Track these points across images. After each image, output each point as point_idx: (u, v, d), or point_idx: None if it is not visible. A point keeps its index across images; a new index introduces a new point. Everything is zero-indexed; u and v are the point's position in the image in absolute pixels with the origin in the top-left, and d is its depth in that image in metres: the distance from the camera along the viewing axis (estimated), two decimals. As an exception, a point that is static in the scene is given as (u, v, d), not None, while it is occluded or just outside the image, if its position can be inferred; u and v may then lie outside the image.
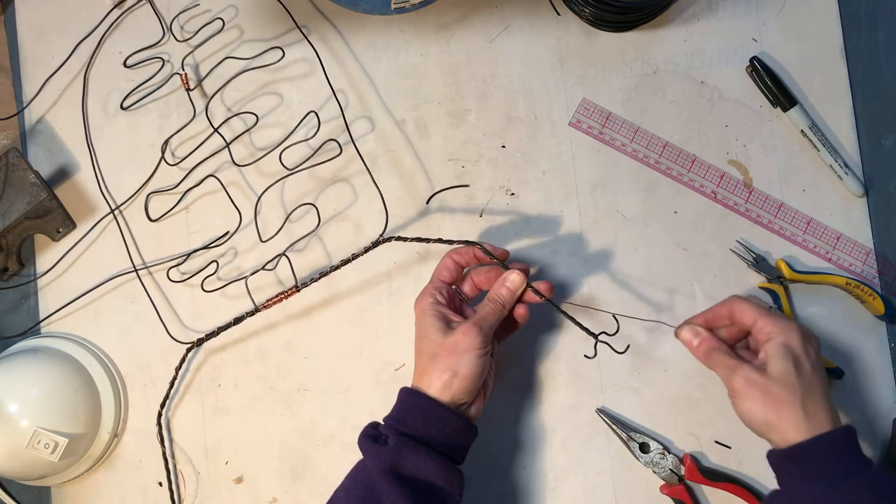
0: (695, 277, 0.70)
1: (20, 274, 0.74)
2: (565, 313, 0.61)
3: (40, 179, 0.70)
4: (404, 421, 0.57)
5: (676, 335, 0.62)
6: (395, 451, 0.56)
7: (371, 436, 0.58)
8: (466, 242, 0.63)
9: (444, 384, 0.57)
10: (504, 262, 0.63)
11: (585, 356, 0.68)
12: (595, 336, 0.61)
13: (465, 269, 0.65)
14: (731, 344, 0.61)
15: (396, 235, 0.67)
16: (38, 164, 0.73)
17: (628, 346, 0.64)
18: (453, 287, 0.64)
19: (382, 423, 0.59)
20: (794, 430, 0.54)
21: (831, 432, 0.54)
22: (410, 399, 0.58)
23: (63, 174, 0.74)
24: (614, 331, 0.62)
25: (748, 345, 0.62)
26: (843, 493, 0.52)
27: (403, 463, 0.56)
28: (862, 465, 0.53)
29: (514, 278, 0.61)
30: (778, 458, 0.56)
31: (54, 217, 0.72)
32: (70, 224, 0.73)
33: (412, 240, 0.66)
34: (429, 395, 0.58)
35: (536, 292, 0.61)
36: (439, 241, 0.65)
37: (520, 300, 0.62)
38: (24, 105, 0.75)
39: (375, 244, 0.67)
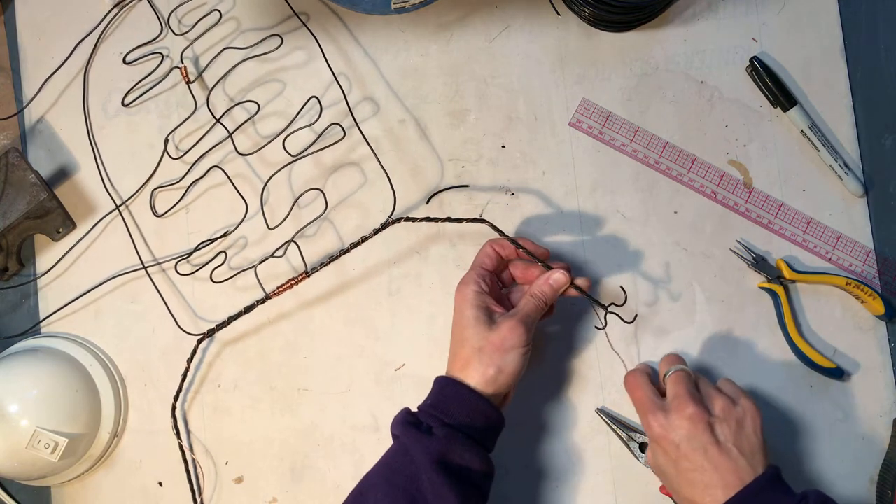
0: (695, 277, 0.70)
1: (20, 274, 0.74)
2: (602, 305, 0.64)
3: (40, 179, 0.70)
4: (448, 412, 0.57)
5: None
6: (444, 442, 0.56)
7: (412, 423, 0.58)
8: (476, 220, 0.64)
9: (489, 379, 0.58)
10: (545, 261, 0.63)
11: (596, 327, 0.69)
12: (604, 307, 0.64)
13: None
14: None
15: (406, 216, 0.67)
16: (38, 164, 0.73)
17: (636, 316, 0.67)
18: (494, 274, 0.64)
19: (418, 410, 0.59)
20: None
21: None
22: (453, 390, 0.58)
23: (63, 174, 0.74)
24: (622, 302, 0.65)
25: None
26: None
27: (451, 455, 0.56)
28: None
29: (558, 277, 0.62)
30: None
31: (54, 217, 0.72)
32: (70, 224, 0.73)
33: (421, 219, 0.66)
34: (472, 388, 0.58)
35: (579, 290, 0.63)
36: (448, 219, 0.66)
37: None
38: (24, 105, 0.75)
39: (385, 225, 0.67)
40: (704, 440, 0.56)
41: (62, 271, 0.73)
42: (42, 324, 0.73)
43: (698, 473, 0.56)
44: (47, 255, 0.74)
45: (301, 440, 0.71)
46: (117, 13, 0.75)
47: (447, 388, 0.59)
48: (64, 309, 0.73)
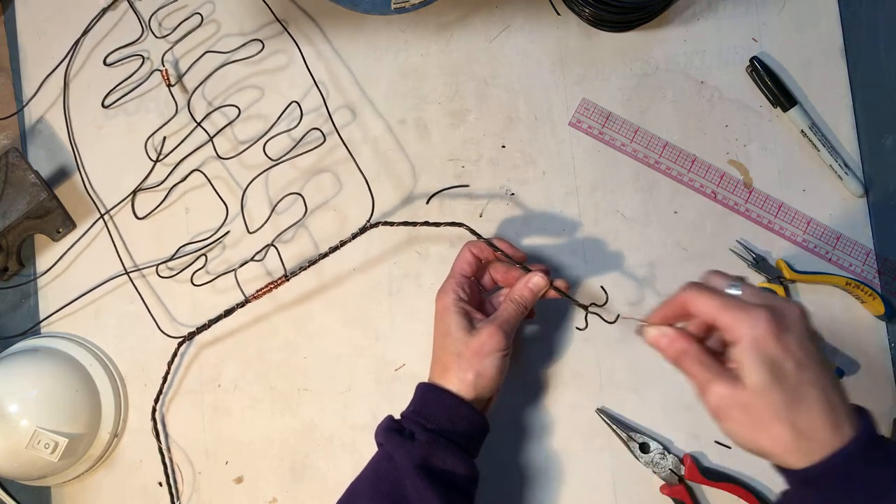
0: (695, 277, 0.70)
1: (20, 274, 0.74)
2: (583, 306, 0.63)
3: (40, 179, 0.70)
4: (430, 417, 0.58)
5: (639, 333, 0.52)
6: (426, 447, 0.56)
7: (395, 429, 0.58)
8: (453, 224, 0.64)
9: (468, 384, 0.58)
10: (522, 263, 0.63)
11: (577, 328, 0.69)
12: (585, 307, 0.63)
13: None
14: (705, 338, 0.51)
15: (383, 221, 0.67)
16: (38, 164, 0.73)
17: (618, 316, 0.65)
18: (474, 280, 0.64)
19: (401, 417, 0.59)
20: (787, 453, 0.45)
21: (836, 455, 0.44)
22: (434, 395, 0.59)
23: (63, 174, 0.74)
24: (603, 302, 0.65)
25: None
26: None
27: (433, 459, 0.56)
28: (889, 479, 0.44)
29: (537, 281, 0.61)
30: (786, 479, 0.47)
31: (54, 217, 0.72)
32: (70, 224, 0.73)
33: (399, 224, 0.67)
34: (452, 392, 0.58)
35: (559, 291, 0.62)
36: (426, 223, 0.66)
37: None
38: (24, 105, 0.75)
39: (363, 230, 0.67)
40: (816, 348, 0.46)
41: (62, 271, 0.73)
42: (42, 324, 0.73)
43: (816, 389, 0.45)
44: (47, 255, 0.74)
45: (301, 440, 0.71)
46: (108, 12, 0.75)
47: (428, 394, 0.59)
48: (64, 309, 0.73)
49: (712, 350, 0.49)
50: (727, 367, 0.48)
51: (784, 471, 0.47)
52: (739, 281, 0.50)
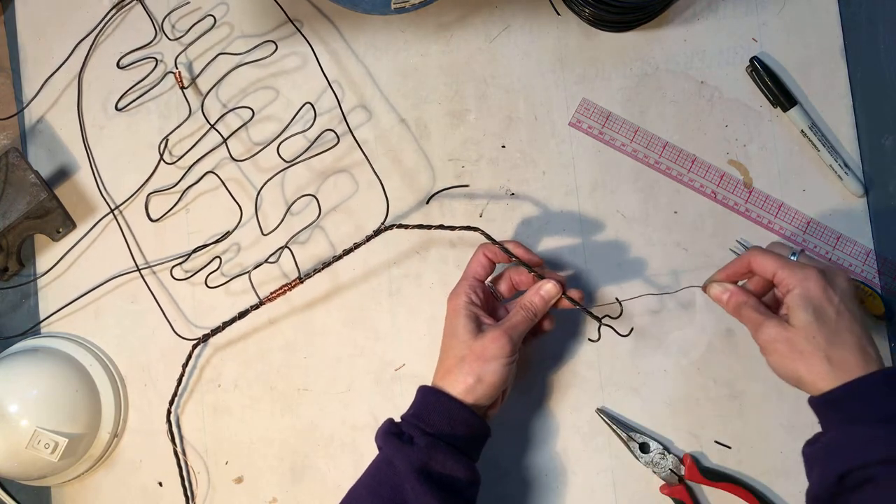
0: (695, 278, 0.70)
1: (20, 274, 0.74)
2: (597, 318, 0.63)
3: (40, 179, 0.70)
4: (429, 421, 0.57)
5: (704, 291, 0.62)
6: (425, 451, 0.56)
7: (395, 433, 0.57)
8: (468, 228, 0.64)
9: (468, 388, 0.58)
10: (536, 267, 0.62)
11: (590, 339, 0.69)
12: (598, 319, 0.63)
13: (501, 266, 0.65)
14: (760, 295, 0.60)
15: (398, 223, 0.67)
16: (38, 164, 0.73)
17: (632, 329, 0.65)
18: (488, 284, 0.63)
19: (400, 420, 0.59)
20: (821, 380, 0.53)
21: (861, 379, 0.52)
22: (434, 398, 0.58)
23: (63, 174, 0.74)
24: (617, 315, 0.64)
25: (775, 296, 0.61)
26: (886, 437, 0.50)
27: (433, 464, 0.56)
28: None
29: (549, 288, 0.61)
30: (816, 405, 0.55)
31: (54, 217, 0.72)
32: (70, 224, 0.73)
33: (414, 227, 0.66)
34: (452, 396, 0.58)
35: (572, 301, 0.61)
36: (441, 227, 0.65)
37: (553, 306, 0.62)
38: (24, 105, 0.75)
39: (377, 232, 0.67)
40: (856, 306, 0.55)
41: (62, 271, 0.73)
42: (42, 324, 0.73)
43: (851, 334, 0.54)
44: (47, 255, 0.74)
45: (301, 440, 0.71)
46: (115, 13, 0.75)
47: (428, 397, 0.59)
48: (64, 309, 0.73)
49: (766, 304, 0.59)
50: (778, 315, 0.57)
51: (813, 402, 0.55)
52: (799, 251, 0.59)
